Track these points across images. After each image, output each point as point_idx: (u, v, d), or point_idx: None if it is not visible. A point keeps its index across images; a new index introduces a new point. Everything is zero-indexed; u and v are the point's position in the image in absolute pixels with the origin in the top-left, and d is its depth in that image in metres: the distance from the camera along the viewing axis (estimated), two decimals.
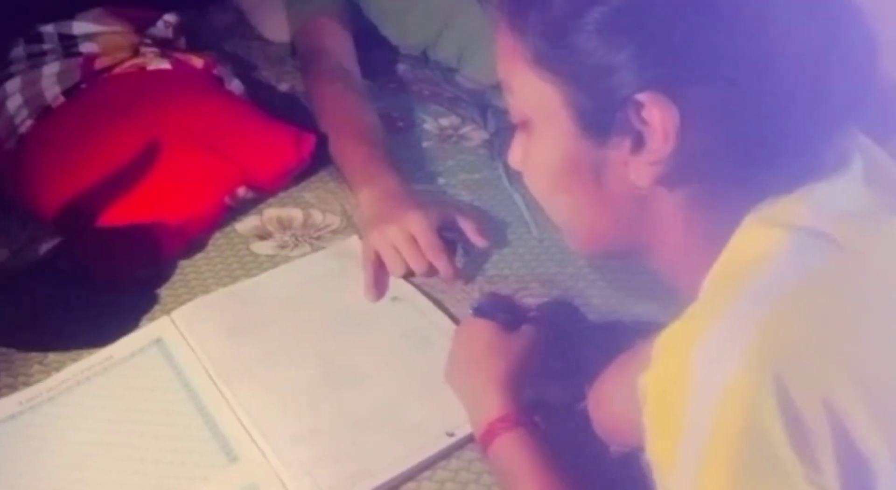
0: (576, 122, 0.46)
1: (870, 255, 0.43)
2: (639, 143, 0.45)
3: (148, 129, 0.84)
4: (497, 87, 0.99)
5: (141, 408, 0.65)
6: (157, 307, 0.75)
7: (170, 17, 1.00)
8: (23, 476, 0.60)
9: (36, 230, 0.81)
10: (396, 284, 0.76)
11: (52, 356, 0.70)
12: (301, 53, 1.01)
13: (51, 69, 0.92)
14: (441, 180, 0.90)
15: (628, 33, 0.43)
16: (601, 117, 0.45)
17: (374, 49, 1.05)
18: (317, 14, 1.01)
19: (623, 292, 0.75)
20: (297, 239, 0.83)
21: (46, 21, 0.96)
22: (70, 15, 0.97)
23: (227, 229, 0.83)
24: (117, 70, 0.92)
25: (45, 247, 0.80)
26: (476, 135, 0.97)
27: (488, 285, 0.76)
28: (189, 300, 0.74)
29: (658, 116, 0.43)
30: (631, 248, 0.51)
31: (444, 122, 0.99)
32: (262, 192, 0.86)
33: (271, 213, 0.86)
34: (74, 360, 0.69)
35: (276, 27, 1.10)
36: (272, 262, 0.80)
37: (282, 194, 0.87)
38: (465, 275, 0.76)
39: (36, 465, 0.61)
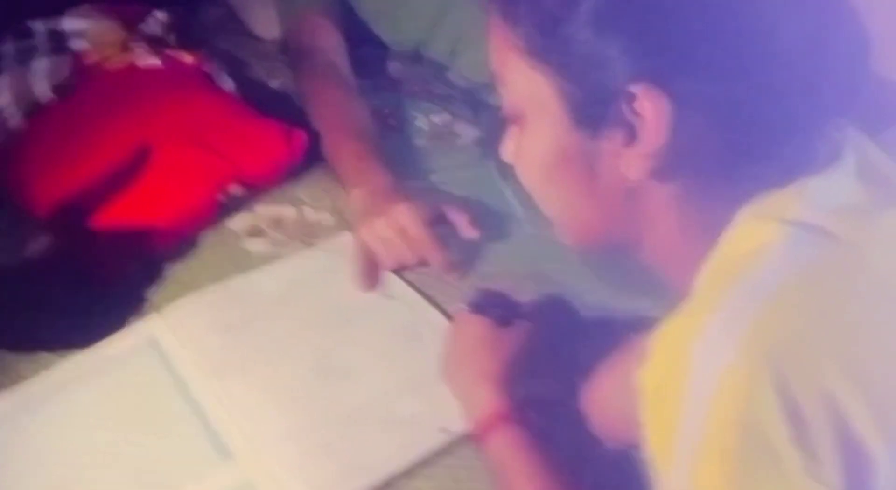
0: (568, 114, 0.46)
1: (865, 249, 0.43)
2: (631, 135, 0.45)
3: (139, 127, 0.84)
4: (489, 85, 1.00)
5: (133, 405, 0.65)
6: (148, 305, 0.74)
7: (160, 14, 0.99)
8: (15, 476, 0.60)
9: (27, 228, 0.81)
10: (389, 281, 0.76)
11: (43, 354, 0.69)
12: (292, 52, 1.01)
13: (40, 65, 0.91)
14: (433, 177, 0.90)
15: (621, 25, 0.43)
16: (593, 109, 0.45)
17: (365, 47, 1.05)
18: (307, 12, 1.00)
19: (616, 288, 0.75)
20: (289, 236, 0.82)
21: (36, 17, 0.96)
22: (60, 11, 0.96)
23: (219, 226, 0.83)
24: (107, 66, 0.92)
25: (36, 245, 0.79)
26: (468, 132, 0.97)
27: (481, 281, 0.76)
28: (181, 297, 0.74)
29: (650, 108, 0.43)
30: (623, 241, 0.51)
31: (437, 119, 0.99)
32: (254, 190, 0.86)
33: (263, 210, 0.85)
34: (65, 359, 0.69)
35: (266, 24, 1.10)
36: (264, 259, 0.79)
37: (274, 191, 0.87)
38: (458, 267, 0.76)
39: (29, 465, 0.61)
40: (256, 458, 0.61)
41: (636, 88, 0.43)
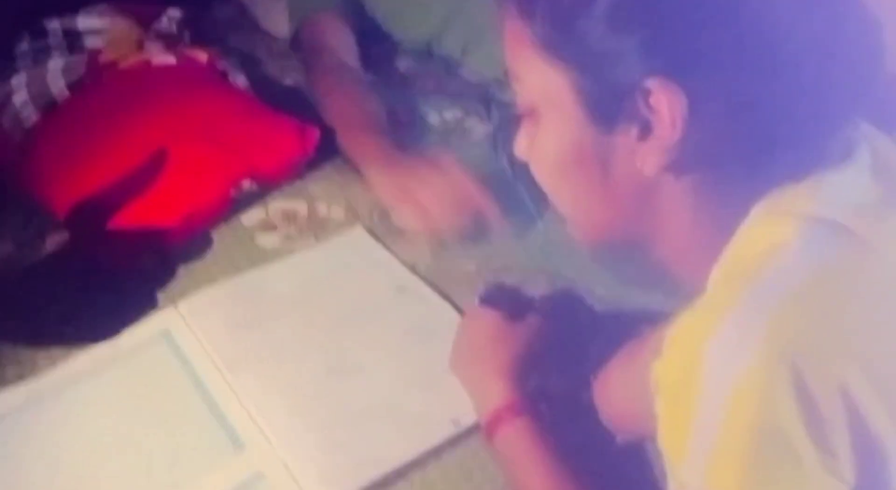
0: (583, 109, 0.46)
1: (880, 245, 0.43)
2: (646, 130, 0.45)
3: (153, 124, 0.84)
4: (501, 81, 1.00)
5: (147, 398, 0.66)
6: (162, 299, 0.75)
7: (174, 12, 1.00)
8: (31, 467, 0.61)
9: (42, 224, 0.81)
10: (402, 275, 0.77)
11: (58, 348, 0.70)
12: (304, 50, 1.01)
13: (56, 64, 0.92)
14: None
15: (636, 20, 0.43)
16: (608, 104, 0.45)
17: (376, 44, 1.05)
18: (318, 10, 1.01)
19: (628, 283, 0.75)
20: (302, 231, 0.83)
21: (51, 16, 0.97)
22: (74, 10, 0.97)
23: (233, 222, 0.84)
24: (122, 65, 0.92)
25: (51, 241, 0.80)
26: (480, 128, 0.97)
27: (493, 277, 0.76)
28: (194, 292, 0.75)
29: (666, 103, 0.43)
30: (636, 238, 0.50)
31: (448, 115, 0.99)
32: (267, 185, 0.86)
33: (276, 205, 0.86)
34: (80, 351, 0.69)
35: (278, 21, 1.10)
36: (277, 254, 0.80)
37: (287, 187, 0.87)
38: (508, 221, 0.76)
39: (44, 456, 0.61)
40: (269, 450, 0.62)
41: (651, 83, 0.43)
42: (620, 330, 0.65)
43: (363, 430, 0.63)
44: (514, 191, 0.87)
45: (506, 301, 0.68)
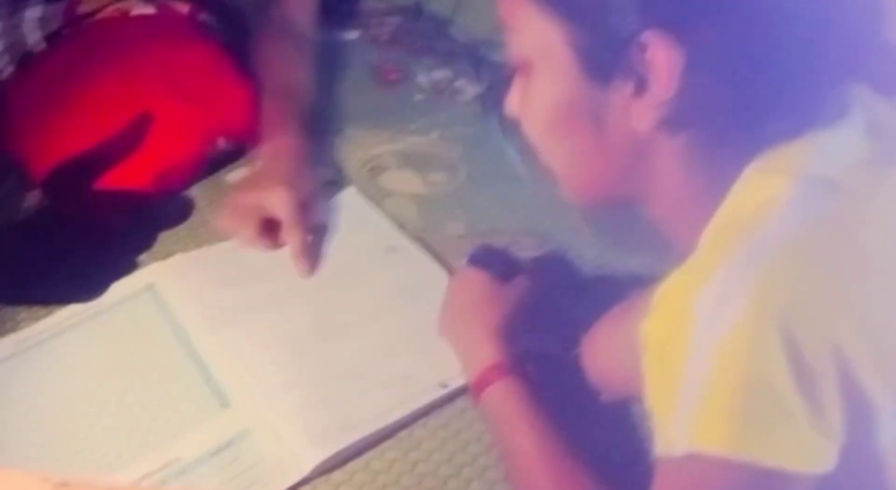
0: (577, 63, 0.45)
1: (873, 203, 0.43)
2: (641, 85, 0.44)
3: (129, 77, 0.83)
4: (491, 41, 0.99)
5: (132, 353, 0.65)
6: (147, 256, 0.74)
7: None
8: (14, 419, 0.60)
9: (21, 178, 0.80)
10: (392, 235, 0.76)
11: None
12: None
13: (33, 14, 0.89)
14: (434, 134, 0.89)
15: None
16: (603, 58, 0.44)
17: (365, 0, 1.03)
18: None
19: (617, 245, 0.75)
20: None
21: None
22: None
23: (216, 179, 0.82)
24: (100, 15, 0.90)
25: (31, 195, 0.79)
26: (470, 89, 0.96)
27: (482, 239, 0.76)
28: (179, 251, 0.74)
29: (662, 57, 0.42)
30: (629, 196, 0.50)
31: (438, 75, 0.98)
32: (243, 143, 0.84)
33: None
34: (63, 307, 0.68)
35: None
36: None
37: None
38: (310, 258, 0.73)
39: (26, 410, 0.61)
40: (254, 407, 0.61)
41: (648, 37, 0.42)
42: (609, 293, 0.65)
43: (350, 389, 0.63)
44: (503, 151, 0.86)
45: (494, 262, 0.67)
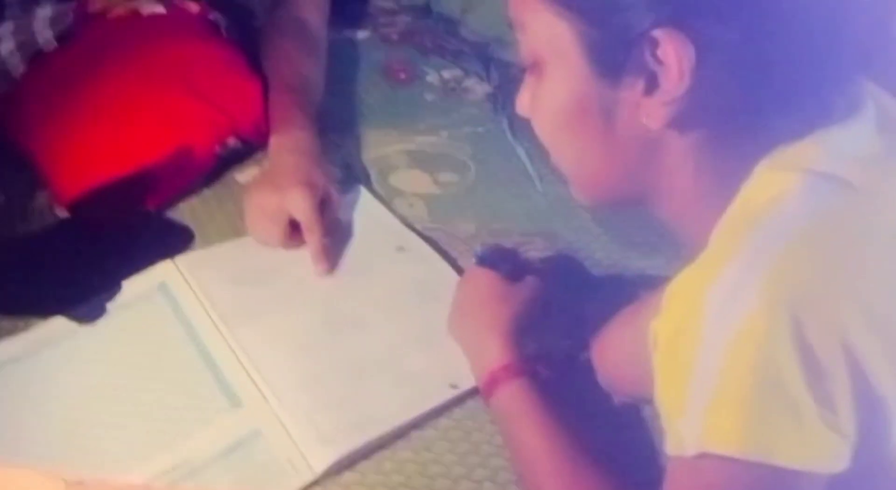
0: (588, 61, 0.45)
1: (882, 197, 0.43)
2: (652, 83, 0.44)
3: (142, 76, 0.82)
4: (501, 41, 0.99)
5: (143, 351, 0.65)
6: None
7: None
8: (25, 419, 0.60)
9: (33, 175, 0.80)
10: (402, 234, 0.76)
11: None
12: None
13: (44, 13, 0.90)
14: (444, 133, 0.89)
15: None
16: (614, 55, 0.44)
17: (375, 0, 1.03)
18: None
19: (627, 247, 0.75)
20: None
21: None
22: None
23: (227, 179, 0.82)
24: (111, 14, 0.90)
25: (42, 193, 0.79)
26: (479, 88, 0.96)
27: (492, 238, 0.76)
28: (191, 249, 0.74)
29: (673, 54, 0.42)
30: (639, 195, 0.50)
31: (447, 74, 0.98)
32: (253, 143, 0.85)
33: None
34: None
35: None
36: None
37: None
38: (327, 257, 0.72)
39: (39, 409, 0.61)
40: (265, 406, 0.61)
41: (659, 33, 0.42)
42: (619, 293, 0.65)
43: (361, 388, 0.63)
44: (513, 151, 0.86)
45: (504, 262, 0.67)
